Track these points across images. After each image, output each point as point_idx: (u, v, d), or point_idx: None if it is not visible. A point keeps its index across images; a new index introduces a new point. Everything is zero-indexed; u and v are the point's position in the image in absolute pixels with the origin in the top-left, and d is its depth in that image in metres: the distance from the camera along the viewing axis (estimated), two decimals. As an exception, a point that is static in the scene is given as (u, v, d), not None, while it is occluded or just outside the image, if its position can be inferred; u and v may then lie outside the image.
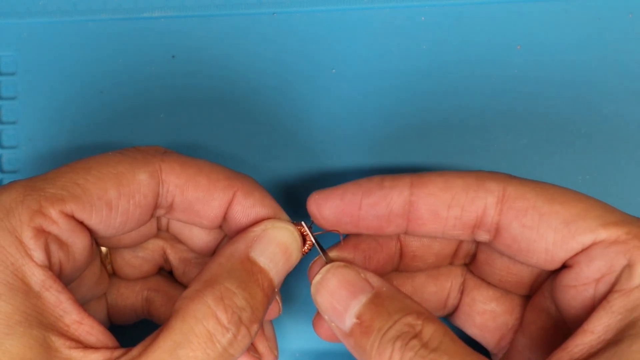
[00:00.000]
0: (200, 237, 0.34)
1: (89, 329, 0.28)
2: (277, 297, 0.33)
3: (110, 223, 0.30)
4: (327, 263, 0.30)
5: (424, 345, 0.26)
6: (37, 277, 0.27)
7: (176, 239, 0.35)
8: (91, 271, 0.33)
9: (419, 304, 0.28)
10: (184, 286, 0.36)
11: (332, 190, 0.31)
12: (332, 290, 0.29)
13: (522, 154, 0.37)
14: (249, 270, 0.29)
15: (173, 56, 0.38)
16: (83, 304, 0.34)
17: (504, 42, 0.38)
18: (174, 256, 0.36)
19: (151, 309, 0.36)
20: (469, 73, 0.37)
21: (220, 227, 0.33)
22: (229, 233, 0.33)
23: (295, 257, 0.31)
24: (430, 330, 0.26)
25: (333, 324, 0.29)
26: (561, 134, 0.37)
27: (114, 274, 0.36)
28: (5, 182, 0.38)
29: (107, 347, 0.28)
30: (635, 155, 0.37)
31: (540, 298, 0.32)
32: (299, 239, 0.31)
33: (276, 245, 0.30)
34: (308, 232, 0.32)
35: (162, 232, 0.35)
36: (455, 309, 0.35)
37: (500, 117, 0.37)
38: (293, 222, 0.32)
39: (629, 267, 0.26)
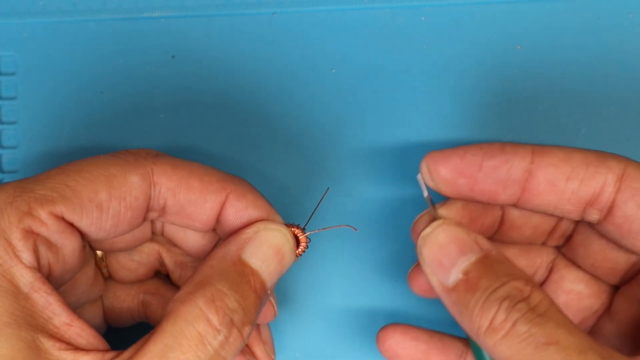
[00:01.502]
0: (194, 240, 0.34)
1: (79, 331, 0.28)
2: (272, 300, 0.33)
3: (101, 225, 0.30)
4: (434, 220, 0.30)
5: (532, 309, 0.25)
6: (26, 278, 0.27)
7: (171, 243, 0.35)
8: (85, 274, 0.33)
9: (526, 273, 0.27)
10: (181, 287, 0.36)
11: (451, 150, 0.30)
12: (441, 244, 0.28)
13: (522, 154, 0.37)
14: (241, 272, 0.29)
15: (173, 56, 0.38)
16: (78, 307, 0.34)
17: (504, 42, 0.38)
18: (170, 260, 0.35)
19: (147, 312, 0.36)
20: (468, 73, 0.37)
21: (214, 230, 0.33)
22: (223, 236, 0.33)
23: (288, 258, 0.31)
24: (538, 297, 0.26)
25: (435, 278, 0.28)
26: (561, 134, 0.37)
27: (109, 277, 0.35)
28: (5, 182, 0.38)
29: (97, 350, 0.27)
30: (635, 155, 0.37)
31: (633, 287, 0.31)
32: (292, 240, 0.31)
33: (268, 246, 0.30)
34: (302, 233, 0.32)
35: (157, 235, 0.35)
36: (541, 285, 0.34)
37: (500, 117, 0.37)
38: (287, 224, 0.32)
39: None
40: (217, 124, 0.38)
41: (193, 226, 0.32)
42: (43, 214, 0.28)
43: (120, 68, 0.38)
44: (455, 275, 0.28)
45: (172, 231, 0.34)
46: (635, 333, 0.31)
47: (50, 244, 0.28)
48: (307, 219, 0.33)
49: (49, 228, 0.28)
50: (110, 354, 0.27)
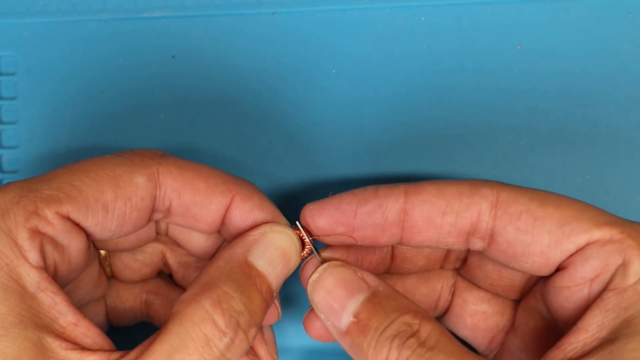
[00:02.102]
0: (199, 241, 0.34)
1: (85, 331, 0.28)
2: (276, 302, 0.33)
3: (107, 225, 0.30)
4: (321, 263, 0.30)
5: (422, 344, 0.26)
6: (32, 278, 0.27)
7: (175, 243, 0.35)
8: (89, 274, 0.33)
9: (415, 303, 0.28)
10: (183, 289, 0.36)
11: (326, 201, 0.31)
12: (329, 288, 0.29)
13: (522, 154, 0.37)
14: (247, 274, 0.29)
15: (173, 56, 0.38)
16: (82, 306, 0.34)
17: (504, 42, 0.38)
18: (174, 260, 0.36)
19: (150, 312, 0.36)
20: (469, 73, 0.37)
21: (219, 231, 0.33)
22: (227, 237, 0.33)
23: (294, 261, 0.31)
24: (427, 329, 0.26)
25: (329, 323, 0.29)
26: (561, 134, 0.37)
27: (112, 277, 0.35)
28: (5, 182, 0.38)
29: (103, 350, 0.28)
30: (635, 155, 0.37)
31: (531, 300, 0.32)
32: (297, 243, 0.31)
33: (275, 249, 0.30)
34: (305, 235, 0.32)
35: (161, 235, 0.35)
36: (447, 311, 0.35)
37: (500, 117, 0.37)
38: (292, 227, 0.32)
39: (623, 265, 0.26)
40: (217, 124, 0.38)
41: (198, 227, 0.32)
42: (49, 213, 0.28)
43: (120, 68, 0.38)
44: (346, 318, 0.28)
45: (177, 232, 0.34)
46: (537, 345, 0.31)
47: (56, 244, 0.29)
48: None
49: (55, 228, 0.28)
50: (116, 354, 0.27)
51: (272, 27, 0.38)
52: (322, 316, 0.29)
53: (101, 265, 0.34)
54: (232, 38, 0.38)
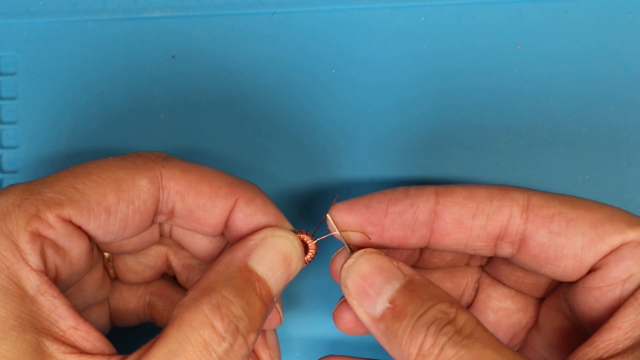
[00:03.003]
0: (202, 244, 0.34)
1: (85, 335, 0.28)
2: (278, 306, 0.33)
3: (109, 229, 0.29)
4: (352, 253, 0.30)
5: (458, 332, 0.26)
6: (33, 281, 0.27)
7: (179, 246, 0.35)
8: (93, 276, 0.33)
9: (450, 294, 0.28)
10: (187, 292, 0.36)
11: (356, 200, 0.30)
12: (365, 274, 0.29)
13: (522, 154, 0.37)
14: (247, 278, 0.29)
15: (173, 56, 0.38)
16: (85, 308, 0.33)
17: (504, 42, 0.38)
18: (177, 262, 0.35)
19: (154, 313, 0.36)
20: (469, 73, 0.37)
21: (222, 234, 0.32)
22: (230, 241, 0.32)
23: (295, 265, 0.31)
24: (463, 318, 0.26)
25: (361, 310, 0.28)
26: (561, 134, 0.37)
27: (116, 278, 0.35)
28: (5, 182, 0.38)
29: (103, 354, 0.27)
30: (635, 155, 0.37)
31: (555, 299, 0.32)
32: (299, 247, 0.31)
33: (275, 253, 0.30)
34: (310, 240, 0.31)
35: (165, 238, 0.35)
36: (469, 306, 0.34)
37: (500, 117, 0.37)
38: (295, 230, 0.31)
39: None
40: (217, 124, 0.38)
41: (201, 230, 0.32)
42: (51, 217, 0.28)
43: (120, 68, 0.38)
44: (381, 304, 0.28)
45: (180, 234, 0.34)
46: (562, 344, 0.31)
47: (57, 247, 0.28)
48: (317, 226, 0.33)
49: (56, 231, 0.28)
50: (116, 358, 0.27)
51: (272, 27, 0.38)
52: (354, 302, 0.29)
53: (105, 267, 0.34)
54: (232, 38, 0.38)
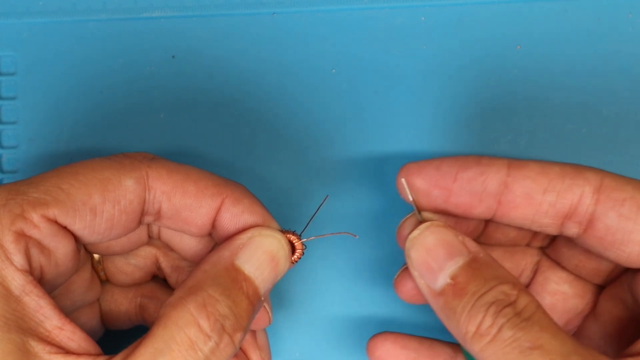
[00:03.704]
0: (191, 245, 0.34)
1: (70, 335, 0.28)
2: (267, 306, 0.32)
3: (95, 229, 0.29)
4: (419, 223, 0.29)
5: (517, 314, 0.25)
6: (17, 281, 0.27)
7: (168, 247, 0.35)
8: (81, 277, 0.33)
9: (513, 275, 0.28)
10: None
11: (427, 162, 0.30)
12: (429, 247, 0.28)
13: (522, 154, 0.37)
14: (234, 277, 0.29)
15: (173, 56, 0.38)
16: (75, 310, 0.33)
17: (504, 42, 0.38)
18: (167, 264, 0.35)
19: (145, 315, 0.36)
20: (469, 73, 0.37)
21: (210, 235, 0.32)
22: (218, 241, 0.32)
23: (282, 265, 0.30)
24: (524, 301, 0.26)
25: (422, 282, 0.28)
26: (561, 134, 0.37)
27: (107, 281, 0.35)
28: (6, 182, 0.38)
29: (89, 354, 0.27)
30: (636, 155, 0.37)
31: (617, 288, 0.31)
32: (287, 247, 0.31)
33: (262, 252, 0.30)
34: (297, 240, 0.31)
35: (154, 239, 0.35)
36: (526, 287, 0.34)
37: (500, 117, 0.37)
38: (282, 230, 0.31)
39: None
40: (216, 124, 0.38)
41: (189, 231, 0.32)
42: (36, 216, 0.28)
43: (120, 68, 0.38)
44: (443, 279, 0.28)
45: (169, 235, 0.34)
46: (619, 334, 0.31)
47: (42, 247, 0.28)
48: (305, 226, 0.33)
49: (41, 231, 0.28)
50: (102, 358, 0.27)
51: (272, 27, 0.38)
52: (415, 274, 0.29)
53: (95, 269, 0.34)
54: (232, 38, 0.38)
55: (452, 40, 0.38)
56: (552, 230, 0.30)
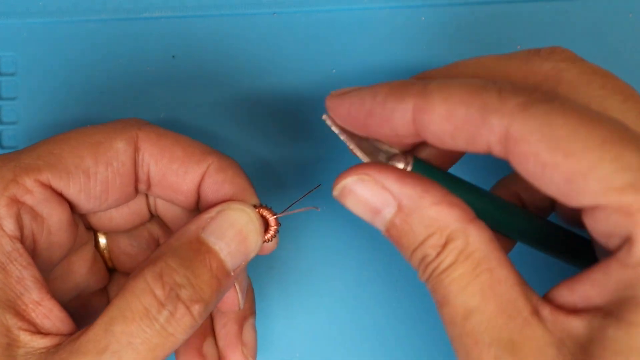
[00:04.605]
0: (182, 220, 0.34)
1: (47, 312, 0.27)
2: (237, 287, 0.31)
3: (90, 192, 0.29)
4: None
5: (436, 269, 0.25)
6: (5, 247, 0.27)
7: (167, 227, 0.35)
8: (82, 257, 0.33)
9: (444, 213, 0.25)
10: None
11: (343, 97, 0.28)
12: (353, 208, 0.27)
13: (522, 154, 0.37)
14: (196, 249, 0.28)
15: (173, 56, 0.38)
16: (83, 297, 0.33)
17: (503, 42, 0.38)
18: None
19: None
20: (469, 73, 0.37)
21: (198, 208, 0.32)
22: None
23: (252, 240, 0.30)
24: (447, 251, 0.25)
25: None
26: (561, 134, 0.37)
27: (114, 269, 0.35)
28: None
29: (58, 334, 0.27)
30: (636, 155, 0.37)
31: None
32: (257, 222, 0.30)
33: (229, 226, 0.29)
34: (271, 215, 0.30)
35: (155, 218, 0.35)
36: None
37: (500, 117, 0.37)
38: (257, 206, 0.30)
39: (629, 242, 0.23)
40: (216, 124, 0.38)
41: (176, 199, 0.32)
42: (29, 181, 0.28)
43: (120, 68, 0.38)
44: (381, 227, 0.27)
45: (163, 210, 0.34)
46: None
47: (35, 214, 0.28)
48: (285, 209, 0.31)
49: (34, 196, 0.28)
50: (65, 337, 0.27)
51: (272, 27, 0.38)
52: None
53: (102, 256, 0.34)
54: (232, 38, 0.38)
55: (452, 40, 0.38)
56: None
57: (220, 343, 0.34)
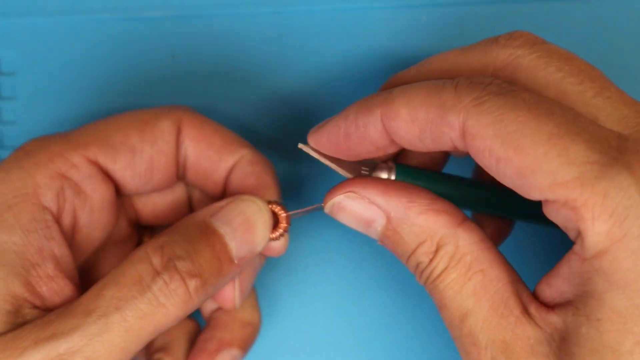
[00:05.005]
0: None
1: (58, 290, 0.27)
2: (238, 283, 0.31)
3: (135, 169, 0.30)
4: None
5: (430, 276, 0.26)
6: (34, 214, 0.27)
7: None
8: (124, 253, 0.33)
9: (435, 220, 0.26)
10: None
11: (321, 129, 0.28)
12: (346, 223, 0.28)
13: (522, 154, 0.37)
14: (202, 231, 0.28)
15: (173, 56, 0.38)
16: None
17: (504, 42, 0.38)
18: None
19: None
20: (469, 73, 0.37)
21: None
22: None
23: (259, 231, 0.29)
24: (438, 258, 0.26)
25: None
26: (561, 134, 0.37)
27: None
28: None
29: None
30: (636, 155, 0.37)
31: None
32: (266, 214, 0.29)
33: (237, 213, 0.29)
34: (282, 211, 0.30)
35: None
36: None
37: (500, 117, 0.37)
38: (271, 201, 0.30)
39: (579, 236, 0.22)
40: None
41: (206, 187, 0.32)
42: (76, 156, 0.28)
43: (120, 68, 0.38)
44: (376, 237, 0.28)
45: (195, 200, 0.34)
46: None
47: (79, 189, 0.29)
48: (301, 210, 0.31)
49: (80, 171, 0.28)
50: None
51: (272, 26, 0.38)
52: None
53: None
54: (232, 38, 0.38)
55: (452, 40, 0.38)
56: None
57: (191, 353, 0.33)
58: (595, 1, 0.37)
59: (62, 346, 0.25)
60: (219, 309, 0.33)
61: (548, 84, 0.27)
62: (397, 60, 0.38)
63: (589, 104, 0.26)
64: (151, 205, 0.33)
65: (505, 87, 0.24)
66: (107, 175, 0.30)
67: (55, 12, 0.39)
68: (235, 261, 0.28)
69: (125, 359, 0.26)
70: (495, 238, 0.34)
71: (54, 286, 0.27)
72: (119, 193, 0.31)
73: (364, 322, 0.38)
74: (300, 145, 0.29)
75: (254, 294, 0.35)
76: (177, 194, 0.34)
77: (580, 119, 0.23)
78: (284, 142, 0.38)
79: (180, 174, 0.32)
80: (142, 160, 0.30)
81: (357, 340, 0.38)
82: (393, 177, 0.29)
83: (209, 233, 0.28)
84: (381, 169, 0.29)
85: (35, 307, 0.27)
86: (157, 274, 0.26)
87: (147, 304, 0.25)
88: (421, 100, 0.25)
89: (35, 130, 0.38)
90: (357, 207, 0.27)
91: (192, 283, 0.26)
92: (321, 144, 0.28)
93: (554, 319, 0.24)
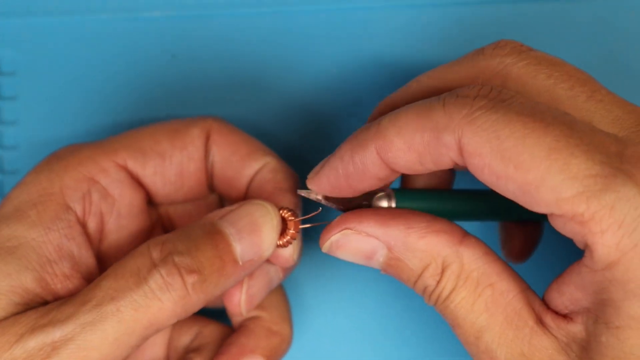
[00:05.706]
0: None
1: (73, 289, 0.27)
2: (245, 287, 0.30)
3: (165, 175, 0.30)
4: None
5: (439, 297, 0.26)
6: (58, 213, 0.27)
7: None
8: None
9: (437, 246, 0.26)
10: None
11: (320, 175, 0.28)
12: (347, 259, 0.28)
13: (522, 154, 0.37)
14: (207, 230, 0.27)
15: (173, 56, 0.38)
16: None
17: (504, 42, 0.37)
18: None
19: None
20: (469, 73, 0.37)
21: None
22: None
23: (266, 234, 0.28)
24: (444, 281, 0.26)
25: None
26: (561, 134, 0.37)
27: None
28: (6, 182, 0.38)
29: None
30: (636, 155, 0.37)
31: None
32: (275, 219, 0.29)
33: (244, 215, 0.28)
34: (292, 217, 0.29)
35: None
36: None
37: (500, 117, 0.37)
38: (282, 207, 0.29)
39: (588, 249, 0.23)
40: (217, 124, 0.38)
41: (228, 195, 0.32)
42: (105, 161, 0.29)
43: (120, 68, 0.38)
44: (378, 267, 0.27)
45: None
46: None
47: (106, 194, 0.29)
48: (307, 215, 0.31)
49: (108, 176, 0.28)
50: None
51: (272, 26, 0.38)
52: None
53: None
54: (232, 38, 0.38)
55: (452, 40, 0.38)
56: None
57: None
58: (596, 1, 0.37)
59: (57, 334, 0.25)
60: (251, 317, 0.33)
61: (539, 91, 0.27)
62: (397, 60, 0.38)
63: (582, 108, 0.26)
64: (187, 217, 0.33)
65: (495, 98, 0.24)
66: (138, 182, 0.30)
67: (55, 12, 0.39)
68: (240, 263, 0.28)
69: (119, 352, 0.25)
70: (529, 243, 0.33)
71: (69, 285, 0.27)
72: (152, 202, 0.31)
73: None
74: (299, 191, 0.29)
75: (286, 306, 0.34)
76: (212, 206, 0.33)
77: (577, 126, 0.23)
78: (283, 142, 0.38)
79: (210, 183, 0.32)
80: (172, 165, 0.30)
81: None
82: (394, 204, 0.28)
83: (213, 232, 0.28)
84: (380, 199, 0.28)
85: (47, 303, 0.27)
86: (154, 266, 0.26)
87: (142, 296, 0.25)
88: (413, 127, 0.24)
89: (35, 130, 0.38)
90: (356, 242, 0.27)
91: (190, 279, 0.26)
92: (322, 187, 0.28)
93: (574, 328, 0.24)
